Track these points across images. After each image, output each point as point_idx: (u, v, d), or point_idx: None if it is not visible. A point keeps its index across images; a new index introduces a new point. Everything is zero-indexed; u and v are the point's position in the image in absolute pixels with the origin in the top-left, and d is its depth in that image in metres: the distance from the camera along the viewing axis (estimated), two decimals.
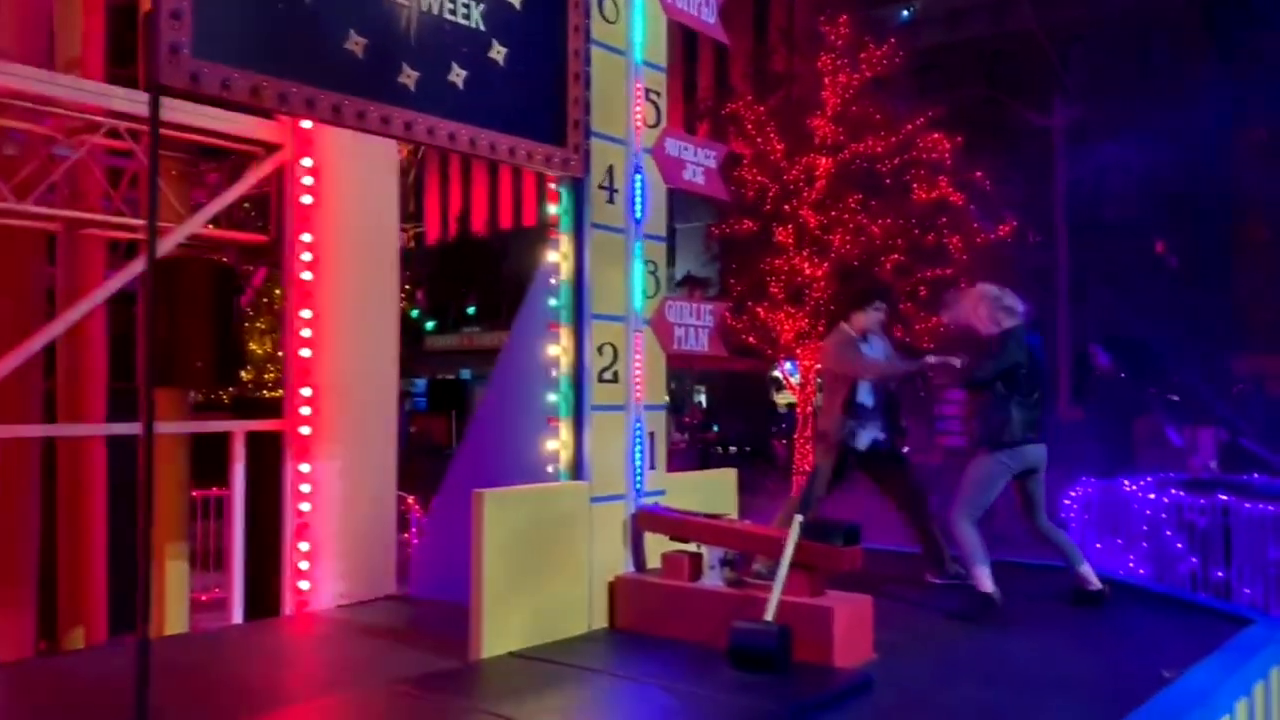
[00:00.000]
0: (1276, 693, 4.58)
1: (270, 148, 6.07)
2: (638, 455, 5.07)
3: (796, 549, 4.33)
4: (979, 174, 15.29)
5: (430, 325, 27.53)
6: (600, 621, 4.87)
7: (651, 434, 5.16)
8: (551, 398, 4.97)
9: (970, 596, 5.29)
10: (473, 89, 4.45)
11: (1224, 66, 23.58)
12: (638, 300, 5.10)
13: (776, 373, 25.33)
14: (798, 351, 15.35)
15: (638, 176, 5.12)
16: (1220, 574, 9.16)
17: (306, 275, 6.00)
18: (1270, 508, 9.04)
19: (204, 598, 8.54)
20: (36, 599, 6.34)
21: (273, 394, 8.36)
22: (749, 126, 15.29)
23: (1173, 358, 17.04)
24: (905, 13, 26.59)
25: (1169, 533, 9.58)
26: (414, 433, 21.31)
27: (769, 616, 4.22)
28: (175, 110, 5.51)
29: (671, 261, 24.29)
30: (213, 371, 6.23)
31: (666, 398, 5.34)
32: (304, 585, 5.89)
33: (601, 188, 4.96)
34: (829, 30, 15.46)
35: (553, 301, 4.99)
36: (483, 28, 4.53)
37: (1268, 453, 10.98)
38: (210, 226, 6.25)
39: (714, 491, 5.57)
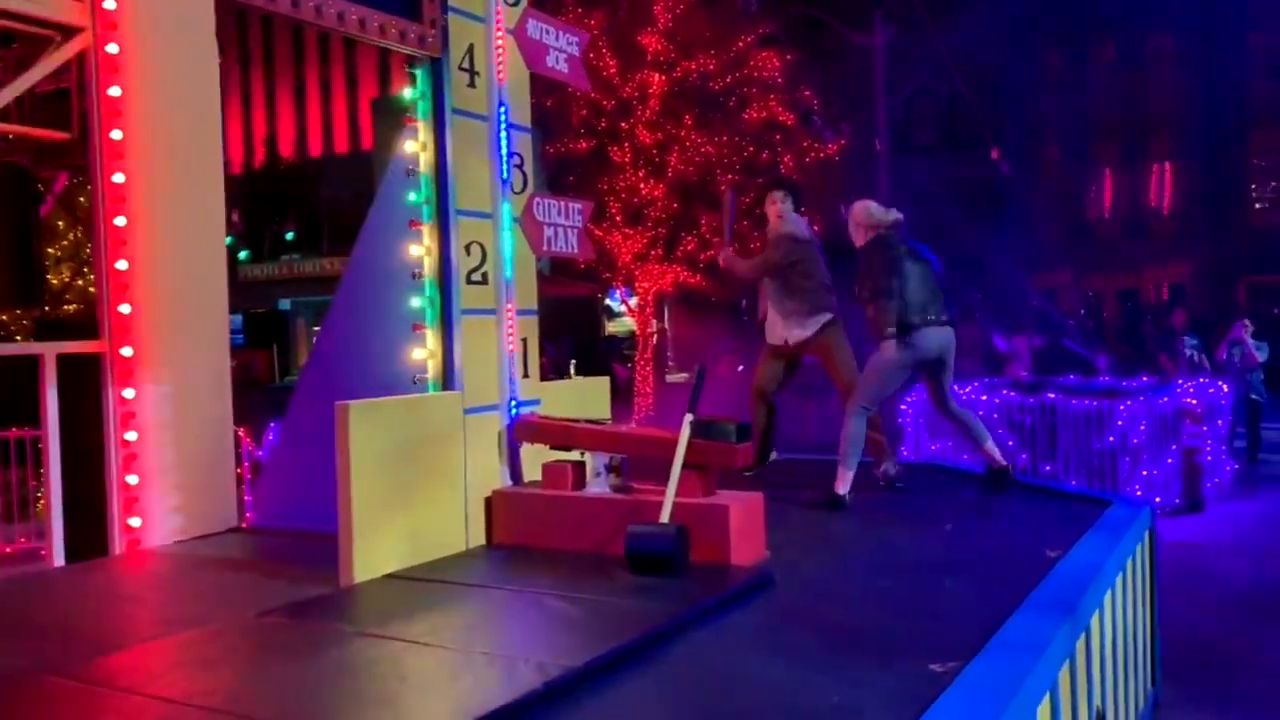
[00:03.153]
0: (1140, 563, 4.76)
1: (70, 31, 5.29)
2: (509, 362, 4.75)
3: (689, 448, 4.15)
4: (807, 92, 15.41)
5: (244, 255, 25.94)
6: (478, 539, 4.57)
7: (524, 340, 4.85)
8: (415, 302, 4.58)
9: (828, 492, 5.39)
10: None
11: None
12: (504, 195, 4.73)
13: (609, 300, 25.22)
14: (636, 274, 15.20)
15: (499, 59, 4.72)
16: (1048, 468, 9.68)
17: (118, 178, 5.31)
18: (1092, 403, 9.58)
19: (9, 549, 7.70)
20: None
21: (72, 313, 7.52)
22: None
23: (980, 272, 17.85)
24: None
25: (1000, 431, 10.05)
26: (234, 368, 19.98)
27: (664, 518, 4.04)
28: None
29: None
30: (11, 290, 5.47)
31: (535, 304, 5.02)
32: (135, 522, 5.30)
33: (462, 69, 4.54)
34: None
35: (412, 196, 4.57)
36: None
37: (1088, 352, 11.62)
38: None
39: (588, 398, 5.32)
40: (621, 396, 18.71)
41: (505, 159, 4.71)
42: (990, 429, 9.97)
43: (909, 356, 5.46)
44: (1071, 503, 5.51)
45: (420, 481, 4.28)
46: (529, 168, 4.91)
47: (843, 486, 5.39)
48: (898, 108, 21.58)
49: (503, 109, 4.72)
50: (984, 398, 10.14)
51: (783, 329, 6.19)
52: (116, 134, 5.29)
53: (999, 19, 23.11)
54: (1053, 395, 9.72)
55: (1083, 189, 26.89)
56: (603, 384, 5.57)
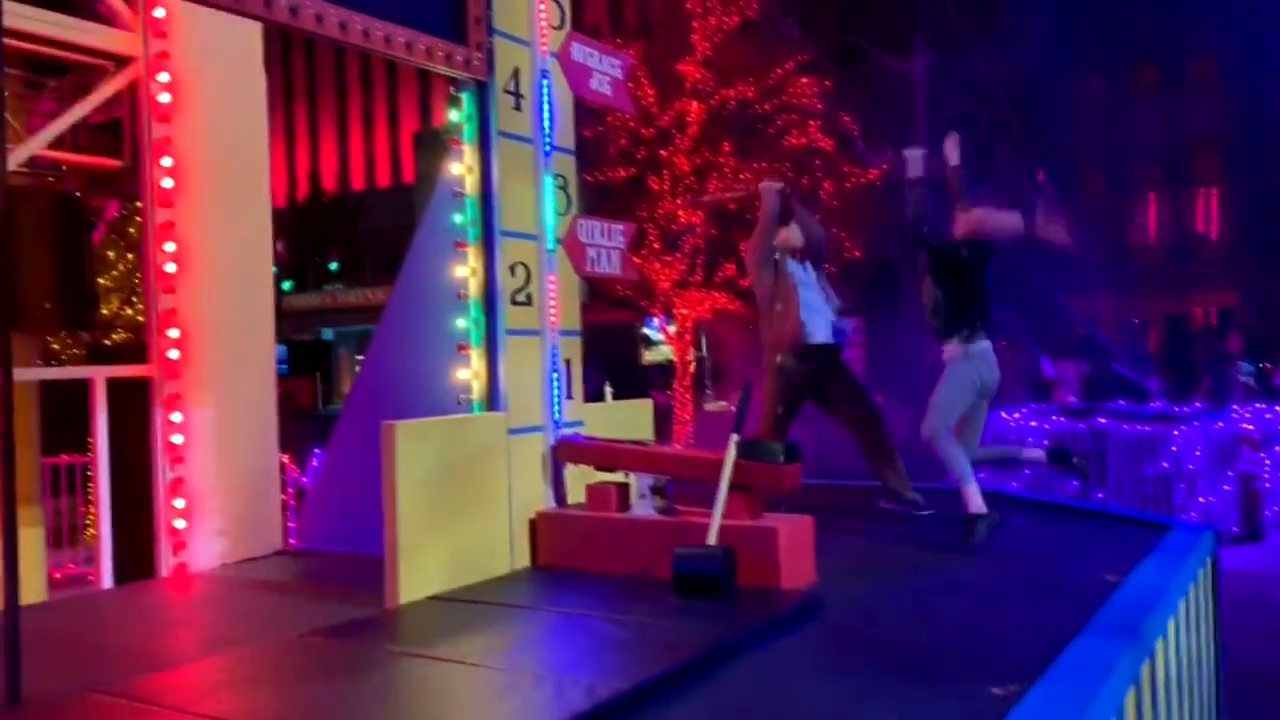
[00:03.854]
0: (1203, 589, 4.62)
1: (122, 60, 5.39)
2: (555, 383, 4.73)
3: (735, 470, 4.09)
4: (847, 118, 15.37)
5: (288, 285, 26.29)
6: (523, 561, 4.53)
7: (568, 361, 4.82)
8: (460, 323, 4.57)
9: (963, 520, 4.91)
10: None
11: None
12: (549, 217, 4.73)
13: (646, 330, 25.19)
14: (675, 300, 15.17)
15: (544, 82, 4.73)
16: (1100, 494, 9.47)
17: (167, 205, 5.38)
18: (1145, 428, 9.38)
19: (58, 575, 7.77)
20: None
21: (121, 341, 7.59)
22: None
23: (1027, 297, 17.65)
24: None
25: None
26: (278, 396, 20.17)
27: (711, 540, 3.97)
28: (12, 16, 4.79)
29: None
30: (64, 314, 5.54)
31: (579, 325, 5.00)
32: (181, 545, 5.33)
33: (507, 92, 4.55)
34: None
35: (458, 218, 4.57)
36: None
37: (1139, 376, 11.42)
38: (53, 150, 5.54)
39: (632, 420, 5.28)
40: (660, 424, 18.69)
41: (550, 183, 4.71)
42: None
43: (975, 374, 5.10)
44: (1129, 527, 5.37)
45: (465, 502, 4.26)
46: (572, 190, 4.90)
47: (974, 504, 4.91)
48: (939, 132, 21.51)
49: (548, 132, 4.73)
50: (1033, 424, 9.97)
51: None
52: (166, 161, 5.37)
53: (1040, 43, 22.99)
54: (1103, 420, 9.53)
55: (1127, 214, 26.58)
56: (646, 406, 5.53)
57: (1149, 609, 3.55)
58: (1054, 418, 10.03)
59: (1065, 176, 23.84)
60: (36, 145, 5.36)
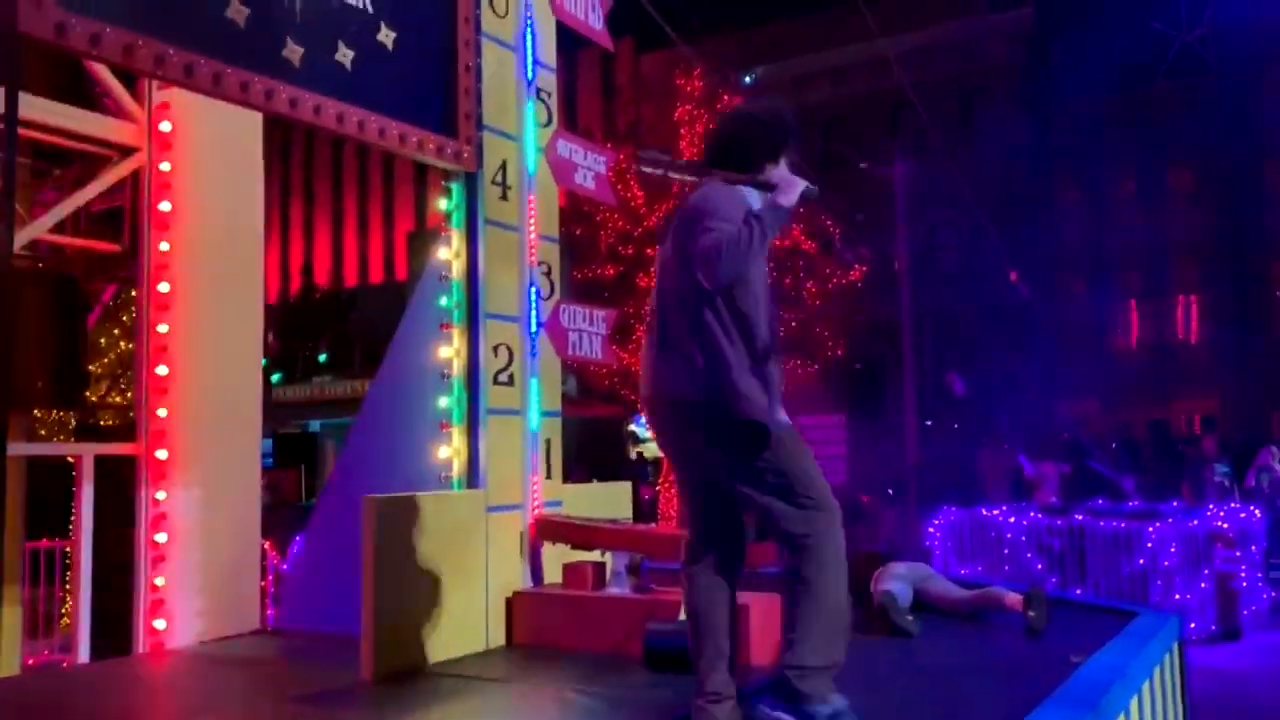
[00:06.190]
0: (1169, 671, 4.68)
1: (127, 150, 5.63)
2: (534, 463, 4.84)
3: None
4: (828, 221, 15.80)
5: (277, 377, 26.40)
6: (498, 639, 4.58)
7: (548, 441, 4.95)
8: (443, 402, 4.71)
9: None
10: (361, 71, 4.24)
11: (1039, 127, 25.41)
12: (532, 300, 4.91)
13: (633, 426, 25.31)
14: None
15: (530, 174, 4.97)
16: (1079, 591, 9.51)
17: (164, 286, 5.55)
18: (1120, 524, 9.47)
19: (31, 661, 7.69)
20: None
21: (109, 424, 7.68)
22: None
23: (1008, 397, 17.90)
24: (747, 78, 27.49)
25: (1029, 554, 9.93)
26: (263, 487, 20.08)
27: (682, 616, 4.04)
28: (26, 106, 5.02)
29: None
30: (55, 392, 5.67)
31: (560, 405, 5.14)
32: (160, 624, 5.36)
33: (494, 183, 4.78)
34: (684, 83, 15.80)
35: (444, 301, 4.75)
36: (371, 9, 4.33)
37: (1115, 474, 11.54)
38: (54, 234, 5.74)
39: (610, 502, 5.37)
40: (645, 519, 18.68)
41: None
42: (1018, 552, 9.93)
43: None
44: (1097, 614, 5.44)
45: (443, 578, 4.32)
46: (556, 277, 5.10)
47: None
48: (920, 237, 22.04)
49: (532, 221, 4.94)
50: (1011, 520, 10.06)
51: None
52: (164, 245, 5.56)
53: (1018, 153, 23.73)
54: (1080, 517, 9.63)
55: (1108, 320, 27.05)
56: (624, 489, 5.63)
57: (1109, 686, 3.62)
58: (1032, 514, 10.13)
59: (1046, 282, 24.34)
60: (40, 229, 5.56)
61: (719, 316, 3.00)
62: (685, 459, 3.22)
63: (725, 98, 15.79)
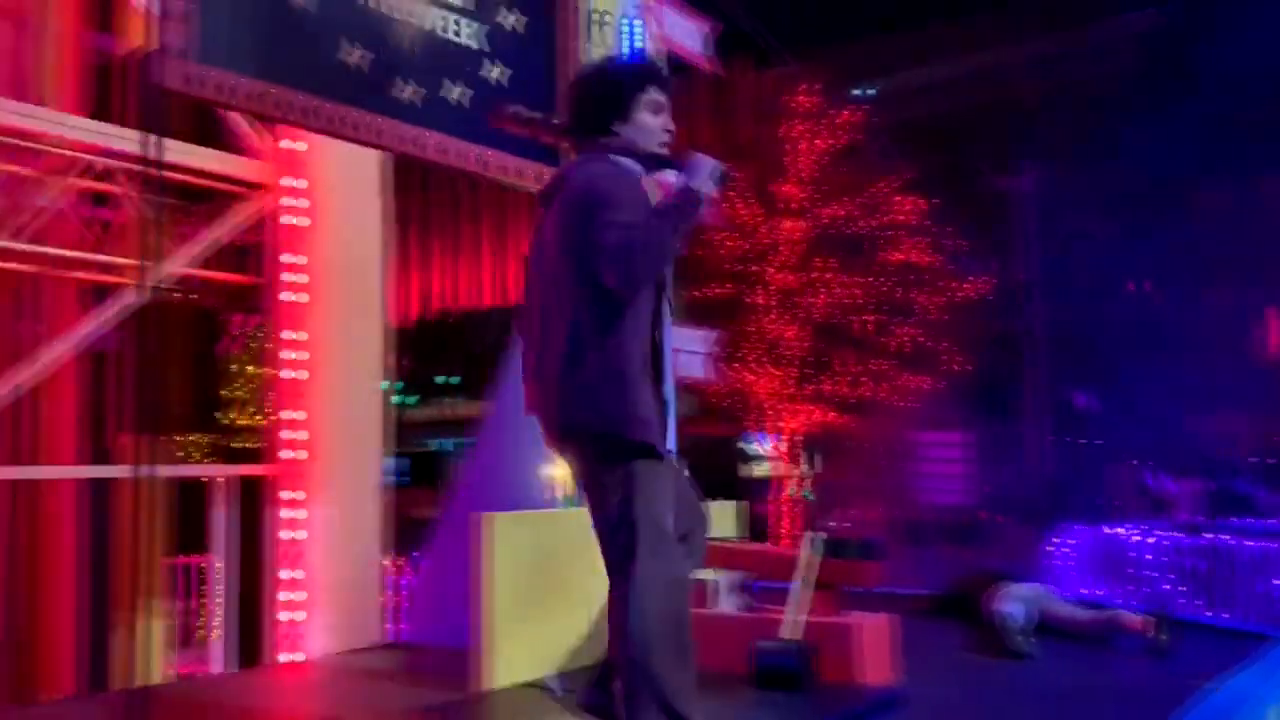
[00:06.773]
0: None
1: (255, 187, 5.96)
2: None
3: (816, 567, 4.18)
4: (950, 234, 15.52)
5: (412, 399, 27.28)
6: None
7: None
8: None
9: None
10: (472, 107, 4.41)
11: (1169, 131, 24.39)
12: None
13: (744, 445, 25.23)
14: (773, 412, 15.28)
15: None
16: (1226, 615, 9.04)
17: (292, 313, 5.85)
18: (1264, 544, 8.97)
19: (170, 671, 8.13)
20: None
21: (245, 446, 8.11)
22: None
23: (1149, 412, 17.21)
24: (867, 92, 27.19)
25: (1168, 584, 9.48)
26: (397, 505, 20.59)
27: (786, 633, 4.06)
28: (170, 151, 5.38)
29: None
30: (191, 416, 6.03)
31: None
32: (292, 635, 5.62)
33: None
34: (801, 100, 15.74)
35: None
36: (482, 48, 4.51)
37: (1258, 490, 10.99)
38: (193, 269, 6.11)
39: (722, 520, 5.39)
40: (757, 538, 18.57)
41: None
42: (1149, 573, 9.51)
43: None
44: (1233, 639, 5.21)
45: (553, 594, 4.43)
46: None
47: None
48: (1049, 249, 21.40)
49: None
50: (1139, 539, 9.66)
51: None
52: (293, 276, 5.86)
53: (1150, 159, 22.84)
54: (1225, 536, 9.17)
55: (1254, 330, 25.73)
56: (738, 507, 5.64)
57: (1234, 712, 3.48)
58: (1168, 534, 9.69)
59: (1186, 292, 23.32)
60: (182, 263, 5.92)
61: (612, 318, 2.65)
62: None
63: (845, 114, 15.67)
